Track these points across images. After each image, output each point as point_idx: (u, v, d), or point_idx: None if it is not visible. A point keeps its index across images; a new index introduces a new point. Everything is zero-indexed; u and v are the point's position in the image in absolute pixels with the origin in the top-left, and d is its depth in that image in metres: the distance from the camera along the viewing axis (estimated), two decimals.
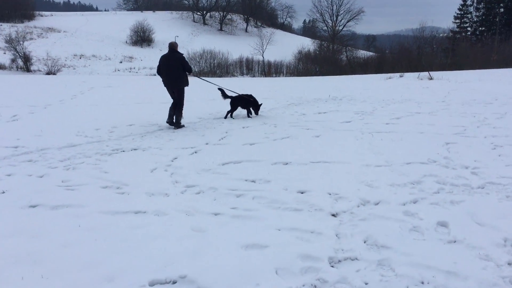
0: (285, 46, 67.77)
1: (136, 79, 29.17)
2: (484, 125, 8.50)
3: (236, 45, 68.02)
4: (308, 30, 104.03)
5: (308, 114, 10.78)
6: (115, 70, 50.48)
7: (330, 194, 4.68)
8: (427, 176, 5.26)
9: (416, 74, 25.56)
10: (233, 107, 10.54)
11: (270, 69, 55.16)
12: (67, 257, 3.26)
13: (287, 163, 6.00)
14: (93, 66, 52.71)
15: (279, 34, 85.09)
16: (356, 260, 3.29)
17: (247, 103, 10.66)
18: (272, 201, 4.51)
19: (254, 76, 53.24)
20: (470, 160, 5.92)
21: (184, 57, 8.98)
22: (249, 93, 10.95)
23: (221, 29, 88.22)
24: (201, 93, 15.62)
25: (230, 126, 9.23)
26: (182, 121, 9.30)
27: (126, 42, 69.31)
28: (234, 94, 10.68)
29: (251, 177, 5.36)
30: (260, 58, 57.16)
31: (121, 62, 57.13)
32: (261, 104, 10.93)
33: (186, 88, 9.18)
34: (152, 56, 61.55)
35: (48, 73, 39.82)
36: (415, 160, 5.98)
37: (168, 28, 78.17)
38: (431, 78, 21.99)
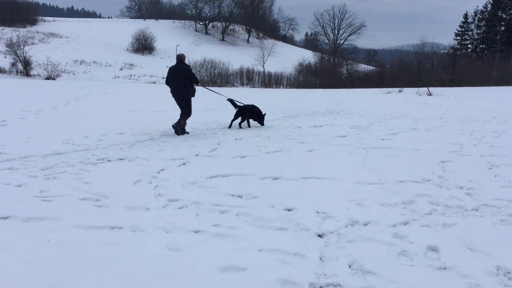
0: (286, 57, 68.04)
1: (134, 86, 29.11)
2: (481, 143, 8.33)
3: (237, 55, 68.22)
4: (309, 43, 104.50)
5: (304, 127, 10.61)
6: (115, 77, 50.47)
7: (318, 213, 4.49)
8: (419, 195, 5.07)
9: (415, 89, 25.49)
10: (242, 117, 10.58)
11: (270, 80, 55.24)
12: (30, 275, 3.05)
13: (276, 178, 5.81)
14: (93, 72, 52.73)
15: (281, 45, 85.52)
16: (339, 287, 3.09)
17: (252, 113, 10.67)
18: (257, 218, 4.31)
19: (254, 86, 53.29)
20: (465, 180, 5.73)
21: (190, 68, 9.31)
22: (250, 103, 10.97)
23: (223, 39, 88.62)
24: (196, 103, 15.40)
25: (223, 137, 9.05)
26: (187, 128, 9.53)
27: (128, 49, 69.51)
28: (240, 104, 10.76)
29: (238, 192, 5.17)
30: (261, 69, 57.28)
31: (121, 69, 57.19)
32: (265, 114, 11.01)
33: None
34: (153, 64, 61.70)
35: (47, 78, 39.75)
36: (408, 178, 5.79)
37: (170, 36, 78.49)
38: (430, 94, 21.91)
